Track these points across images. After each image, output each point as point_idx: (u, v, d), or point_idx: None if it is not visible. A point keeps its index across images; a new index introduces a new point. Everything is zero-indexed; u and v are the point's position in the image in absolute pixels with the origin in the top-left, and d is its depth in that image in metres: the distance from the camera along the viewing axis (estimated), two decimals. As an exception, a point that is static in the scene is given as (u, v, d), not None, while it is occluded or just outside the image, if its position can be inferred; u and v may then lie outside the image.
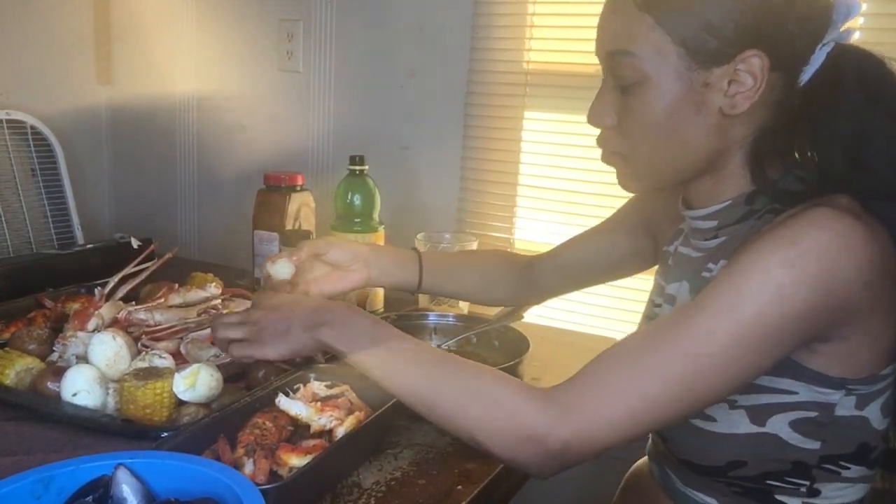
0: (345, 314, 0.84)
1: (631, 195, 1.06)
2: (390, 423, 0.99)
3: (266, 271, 1.00)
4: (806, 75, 0.74)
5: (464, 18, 1.69)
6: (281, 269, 1.01)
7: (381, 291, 1.46)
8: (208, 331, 1.12)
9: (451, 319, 1.27)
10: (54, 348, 1.08)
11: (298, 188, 1.56)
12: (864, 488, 0.78)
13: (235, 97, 2.03)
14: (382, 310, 1.46)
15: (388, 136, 1.81)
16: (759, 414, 0.74)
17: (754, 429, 0.74)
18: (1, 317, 1.24)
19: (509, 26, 1.65)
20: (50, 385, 0.99)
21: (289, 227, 1.54)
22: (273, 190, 1.55)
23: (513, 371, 1.09)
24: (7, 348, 1.09)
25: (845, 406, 0.73)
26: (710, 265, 0.80)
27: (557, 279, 1.13)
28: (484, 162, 1.72)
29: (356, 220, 1.43)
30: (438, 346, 1.22)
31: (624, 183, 0.83)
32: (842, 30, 0.74)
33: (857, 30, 1.34)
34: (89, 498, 0.68)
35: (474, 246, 1.44)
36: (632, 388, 0.68)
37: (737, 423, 0.75)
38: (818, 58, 0.74)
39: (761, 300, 0.66)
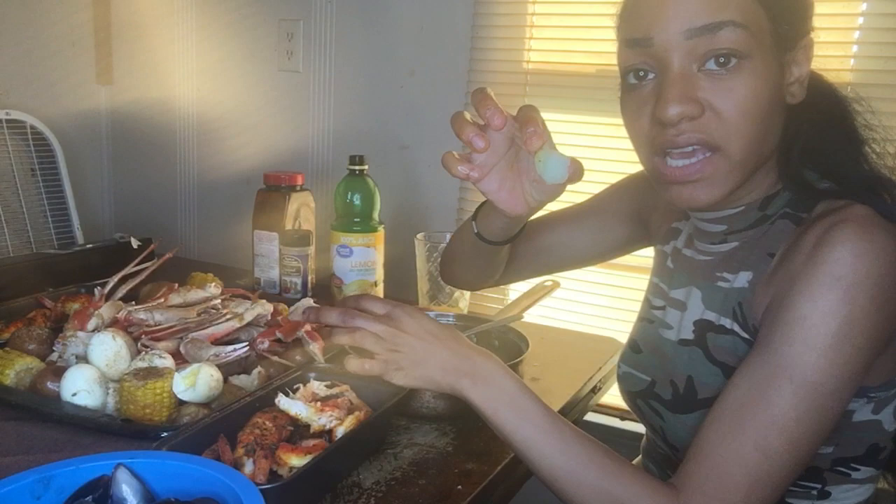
0: (489, 369, 0.78)
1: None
2: (390, 423, 0.99)
3: (538, 172, 0.76)
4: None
5: (464, 18, 1.69)
6: (556, 168, 0.75)
7: (381, 291, 1.46)
8: (208, 331, 1.12)
9: (450, 319, 1.27)
10: (54, 348, 1.08)
11: (298, 188, 1.56)
12: (870, 488, 0.79)
13: (235, 97, 2.03)
14: (382, 310, 1.46)
15: (388, 136, 1.81)
16: None
17: None
18: (1, 317, 1.24)
19: (509, 26, 1.65)
20: (50, 385, 0.99)
21: (289, 227, 1.54)
22: (273, 190, 1.55)
23: (513, 371, 1.09)
24: (7, 348, 1.09)
25: (863, 412, 0.74)
26: (726, 274, 0.78)
27: (534, 263, 1.07)
28: (484, 162, 1.71)
29: (356, 220, 1.43)
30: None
31: (702, 193, 0.73)
32: None
33: (857, 30, 1.35)
34: (89, 498, 0.68)
35: (474, 246, 1.43)
36: (746, 471, 0.67)
37: None
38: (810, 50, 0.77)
39: (829, 346, 0.66)
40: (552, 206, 1.04)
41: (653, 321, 0.90)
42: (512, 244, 0.99)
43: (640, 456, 0.98)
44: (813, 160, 0.76)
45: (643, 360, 0.90)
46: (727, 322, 0.77)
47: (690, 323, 0.82)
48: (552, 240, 1.06)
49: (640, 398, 0.88)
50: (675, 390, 0.82)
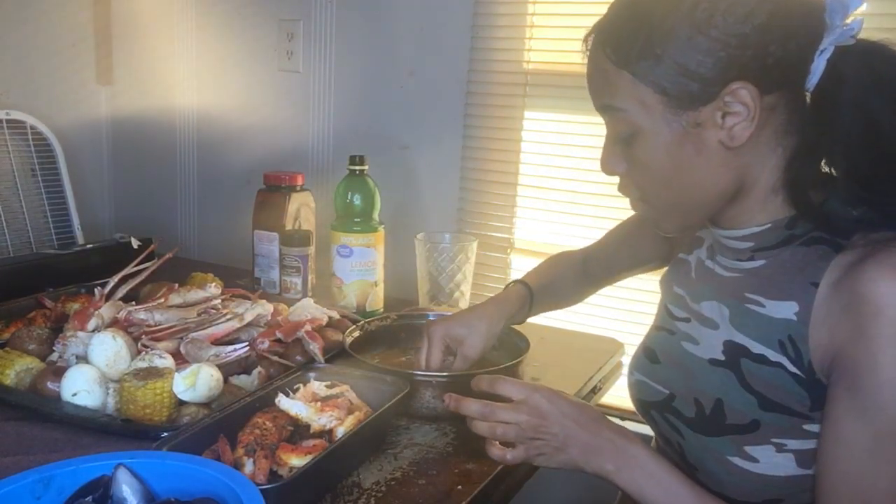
0: (632, 451, 0.80)
1: None
2: (390, 423, 0.99)
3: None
4: (811, 85, 0.73)
5: (464, 18, 1.69)
6: None
7: (381, 291, 1.46)
8: (209, 331, 1.12)
9: (451, 319, 1.27)
10: (54, 348, 1.09)
11: (298, 188, 1.56)
12: None
13: (235, 97, 2.03)
14: (382, 309, 1.46)
15: (388, 136, 1.81)
16: (807, 458, 0.73)
17: (799, 471, 0.73)
18: (1, 317, 1.24)
19: (509, 26, 1.65)
20: (50, 385, 0.99)
21: (289, 227, 1.54)
22: (273, 190, 1.55)
23: (513, 371, 1.09)
24: (7, 348, 1.09)
25: None
26: (759, 297, 0.77)
27: (608, 273, 1.17)
28: (484, 162, 1.72)
29: (356, 220, 1.43)
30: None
31: (656, 226, 0.83)
32: (844, 25, 0.71)
33: (862, 16, 1.33)
34: (89, 498, 0.68)
35: (474, 246, 1.44)
36: None
37: (782, 466, 0.74)
38: (818, 66, 0.72)
39: None
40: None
41: (674, 332, 0.87)
42: (590, 259, 1.17)
43: None
44: (839, 184, 0.74)
45: (661, 371, 0.88)
46: (771, 354, 0.75)
47: (720, 343, 0.80)
48: (614, 252, 1.14)
49: (655, 409, 0.87)
50: (699, 409, 0.80)
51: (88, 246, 1.62)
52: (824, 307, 0.71)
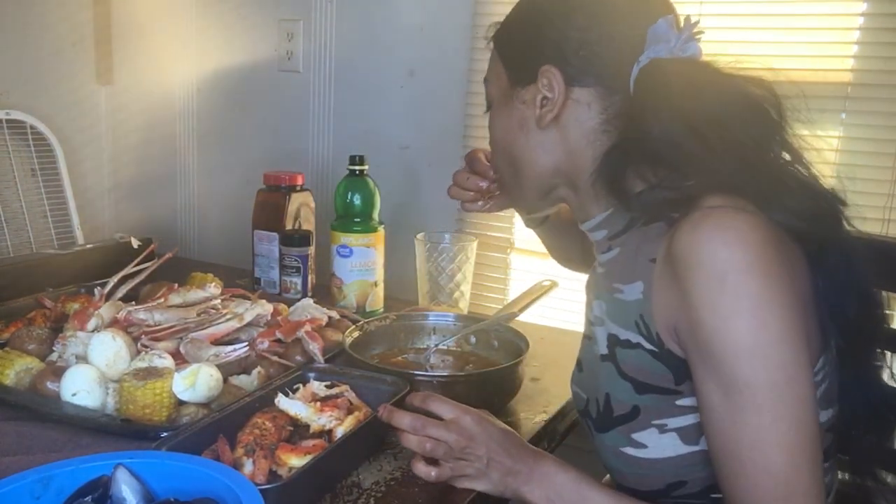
0: (544, 469, 0.79)
1: None
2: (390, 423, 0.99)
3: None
4: (631, 91, 0.76)
5: (464, 18, 1.69)
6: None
7: (381, 291, 1.46)
8: (208, 331, 1.12)
9: (450, 319, 1.27)
10: (54, 348, 1.08)
11: (298, 188, 1.56)
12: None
13: (235, 97, 2.03)
14: (382, 309, 1.46)
15: (388, 136, 1.81)
16: (690, 434, 0.74)
17: (687, 449, 0.74)
18: (1, 317, 1.24)
19: (509, 26, 1.65)
20: (50, 385, 0.99)
21: (289, 227, 1.54)
22: (273, 190, 1.55)
23: (513, 371, 1.09)
24: (7, 348, 1.09)
25: None
26: (619, 285, 0.79)
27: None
28: (484, 162, 1.72)
29: (356, 220, 1.43)
30: (437, 345, 1.22)
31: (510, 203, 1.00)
32: (680, 44, 0.75)
33: (857, 30, 1.34)
34: (89, 498, 0.68)
35: (474, 246, 1.44)
36: (773, 497, 0.66)
37: (669, 447, 0.75)
38: (634, 74, 0.76)
39: (753, 344, 0.65)
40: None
41: (590, 337, 0.88)
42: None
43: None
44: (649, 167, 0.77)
45: (583, 378, 0.89)
46: (632, 336, 0.77)
47: (605, 338, 0.82)
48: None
49: (581, 416, 0.89)
50: (598, 408, 0.82)
51: (88, 246, 1.61)
52: (660, 280, 0.73)
